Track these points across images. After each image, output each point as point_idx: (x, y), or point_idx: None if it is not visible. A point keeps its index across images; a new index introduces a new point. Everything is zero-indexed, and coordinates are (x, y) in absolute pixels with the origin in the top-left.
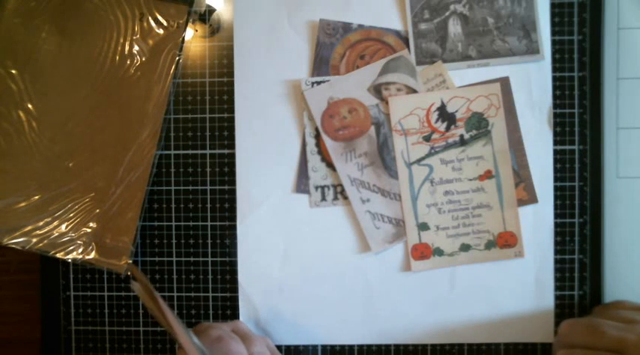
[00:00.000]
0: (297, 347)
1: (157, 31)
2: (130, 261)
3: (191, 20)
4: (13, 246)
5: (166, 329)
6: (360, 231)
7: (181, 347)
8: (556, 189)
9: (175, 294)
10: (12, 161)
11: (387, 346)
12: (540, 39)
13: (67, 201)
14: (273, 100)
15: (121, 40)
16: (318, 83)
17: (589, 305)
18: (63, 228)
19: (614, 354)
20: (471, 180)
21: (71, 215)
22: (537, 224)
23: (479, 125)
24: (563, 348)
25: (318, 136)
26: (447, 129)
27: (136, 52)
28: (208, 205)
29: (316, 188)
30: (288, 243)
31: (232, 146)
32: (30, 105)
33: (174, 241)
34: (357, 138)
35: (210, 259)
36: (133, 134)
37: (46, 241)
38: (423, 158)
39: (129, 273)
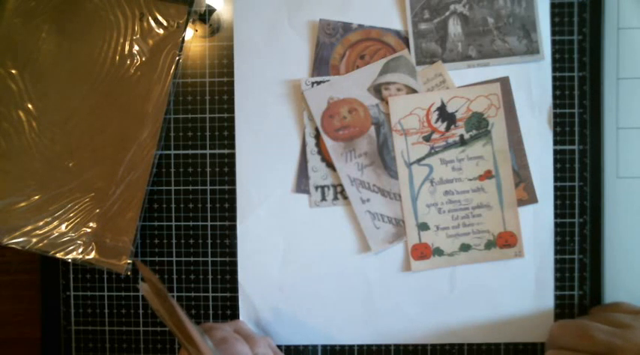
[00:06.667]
0: (297, 347)
1: (157, 31)
2: (130, 261)
3: (191, 20)
4: (13, 246)
5: (172, 330)
6: (360, 231)
7: (183, 348)
8: (556, 189)
9: (175, 294)
10: (12, 161)
11: (387, 346)
12: (540, 39)
13: (67, 201)
14: (273, 100)
15: (121, 40)
16: (318, 83)
17: (589, 305)
18: (63, 228)
19: None
20: (470, 180)
21: (71, 215)
22: (537, 224)
23: (479, 125)
24: (553, 349)
25: (318, 136)
26: (447, 129)
27: (136, 51)
28: (208, 205)
29: (316, 188)
30: (288, 243)
31: (232, 146)
32: (30, 105)
33: (174, 241)
34: (357, 138)
35: (210, 259)
36: (133, 134)
37: (46, 241)
38: (423, 158)
39: (128, 272)
